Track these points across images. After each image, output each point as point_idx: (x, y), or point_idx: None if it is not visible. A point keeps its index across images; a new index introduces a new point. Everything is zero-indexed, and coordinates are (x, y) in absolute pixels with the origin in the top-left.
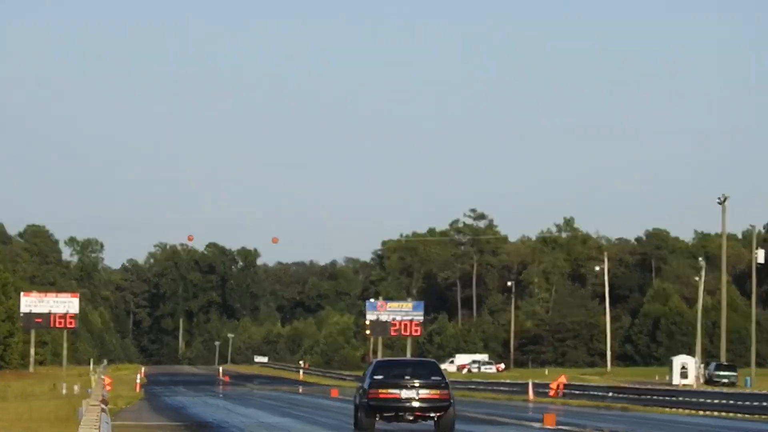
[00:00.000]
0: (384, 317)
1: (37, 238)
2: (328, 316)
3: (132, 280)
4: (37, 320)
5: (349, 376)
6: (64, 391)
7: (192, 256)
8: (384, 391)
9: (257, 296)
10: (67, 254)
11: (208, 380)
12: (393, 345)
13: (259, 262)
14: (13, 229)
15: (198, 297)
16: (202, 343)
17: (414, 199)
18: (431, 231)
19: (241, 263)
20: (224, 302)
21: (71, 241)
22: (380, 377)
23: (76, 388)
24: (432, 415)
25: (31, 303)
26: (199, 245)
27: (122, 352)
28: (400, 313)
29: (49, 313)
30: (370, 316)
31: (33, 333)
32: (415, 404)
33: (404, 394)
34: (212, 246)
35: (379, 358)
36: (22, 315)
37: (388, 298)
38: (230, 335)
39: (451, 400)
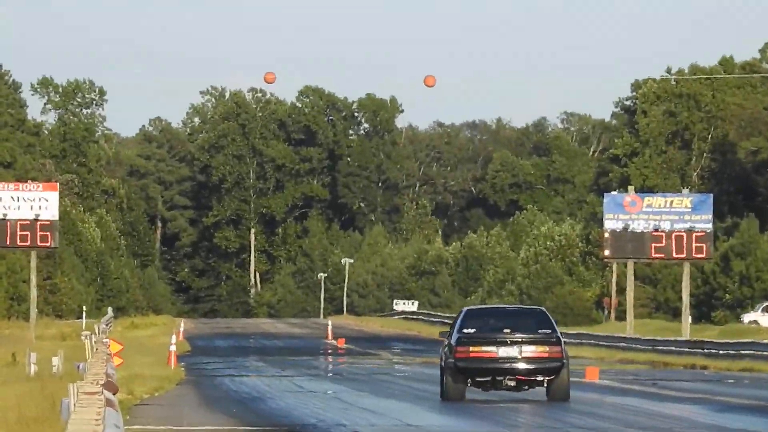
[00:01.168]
0: (639, 225)
1: None
2: (533, 222)
3: (160, 159)
4: None
5: (574, 336)
6: (32, 367)
7: (273, 111)
8: (476, 348)
9: (397, 187)
10: (36, 110)
11: (307, 346)
12: (656, 277)
13: (400, 123)
14: None
15: (285, 188)
16: (295, 275)
17: (691, 6)
18: (726, 62)
19: (366, 125)
20: (335, 198)
21: (44, 84)
22: (471, 330)
23: (56, 360)
24: (540, 378)
25: None
26: (287, 92)
27: (143, 294)
28: (668, 216)
29: (5, 221)
30: (612, 224)
31: None
32: (518, 365)
33: (503, 351)
34: (312, 92)
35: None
36: None
37: (646, 190)
38: (347, 260)
39: (565, 360)
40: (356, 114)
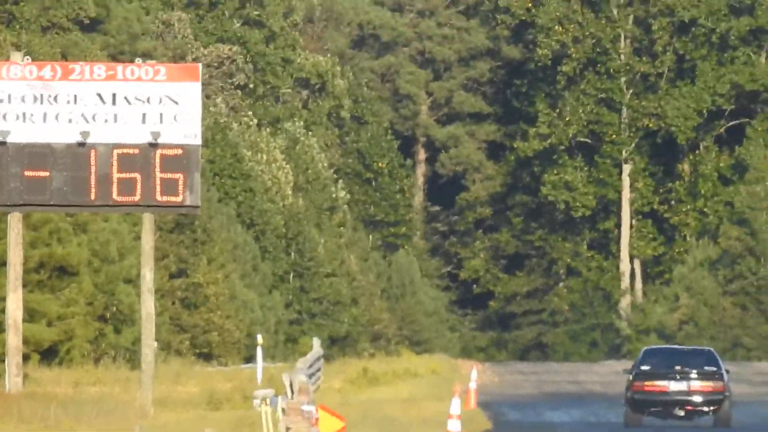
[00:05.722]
0: None
1: None
2: None
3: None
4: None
5: None
6: None
7: None
8: (650, 383)
9: None
10: None
11: None
12: None
13: None
14: None
15: None
16: None
17: None
18: None
19: None
20: None
21: None
22: (647, 368)
23: None
24: (705, 409)
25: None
26: None
27: (388, 311)
28: None
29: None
30: None
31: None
32: (685, 398)
33: (673, 386)
34: None
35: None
36: None
37: None
38: None
39: (727, 393)
40: None
